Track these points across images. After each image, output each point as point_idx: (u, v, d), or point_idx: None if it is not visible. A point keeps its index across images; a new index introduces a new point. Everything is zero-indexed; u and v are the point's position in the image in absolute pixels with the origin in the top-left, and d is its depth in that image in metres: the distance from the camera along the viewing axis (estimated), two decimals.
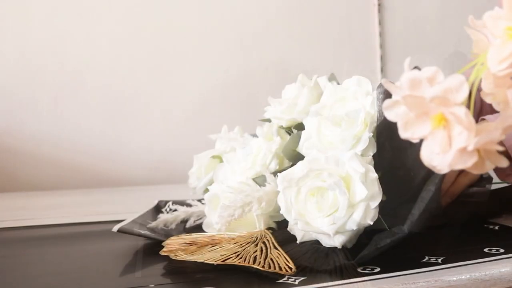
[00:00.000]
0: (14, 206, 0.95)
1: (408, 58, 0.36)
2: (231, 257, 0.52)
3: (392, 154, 0.57)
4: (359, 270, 0.50)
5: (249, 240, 0.56)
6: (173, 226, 0.69)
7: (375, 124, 0.57)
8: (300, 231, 0.55)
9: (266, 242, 0.55)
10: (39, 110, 1.30)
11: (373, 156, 0.57)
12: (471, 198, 0.70)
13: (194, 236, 0.60)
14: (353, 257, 0.51)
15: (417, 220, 0.50)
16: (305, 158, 0.55)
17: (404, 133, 0.35)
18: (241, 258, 0.52)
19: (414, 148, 0.56)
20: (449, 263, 0.51)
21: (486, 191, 0.70)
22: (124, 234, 0.65)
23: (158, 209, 0.80)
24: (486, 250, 0.56)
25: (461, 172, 0.68)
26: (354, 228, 0.51)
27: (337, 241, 0.52)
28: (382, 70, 1.55)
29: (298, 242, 0.56)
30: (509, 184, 0.75)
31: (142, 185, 1.32)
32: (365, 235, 0.55)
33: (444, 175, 0.52)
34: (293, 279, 0.47)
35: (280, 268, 0.49)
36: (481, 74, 0.36)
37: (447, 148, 0.33)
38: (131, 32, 1.36)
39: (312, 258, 0.53)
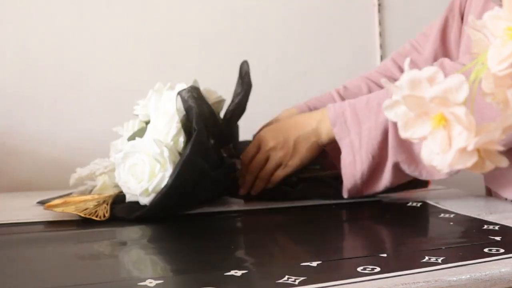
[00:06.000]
0: (14, 206, 0.95)
1: (408, 58, 0.36)
2: (68, 207, 0.77)
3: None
4: (359, 270, 0.50)
5: (99, 199, 0.80)
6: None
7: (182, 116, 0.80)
8: (127, 194, 0.79)
9: (106, 200, 0.79)
10: (39, 110, 1.30)
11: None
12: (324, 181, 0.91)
13: (72, 196, 0.84)
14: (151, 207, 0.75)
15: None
16: (127, 143, 0.81)
17: (404, 133, 0.35)
18: (76, 209, 0.76)
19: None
20: (449, 263, 0.51)
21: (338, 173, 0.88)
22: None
23: None
24: (486, 250, 0.56)
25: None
26: (151, 189, 0.75)
27: (145, 200, 0.77)
28: None
29: (126, 201, 0.79)
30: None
31: None
32: None
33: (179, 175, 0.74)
34: (293, 279, 0.47)
35: (97, 216, 0.74)
36: (481, 74, 0.36)
37: (447, 148, 0.33)
38: (131, 31, 1.37)
39: (127, 210, 0.77)
